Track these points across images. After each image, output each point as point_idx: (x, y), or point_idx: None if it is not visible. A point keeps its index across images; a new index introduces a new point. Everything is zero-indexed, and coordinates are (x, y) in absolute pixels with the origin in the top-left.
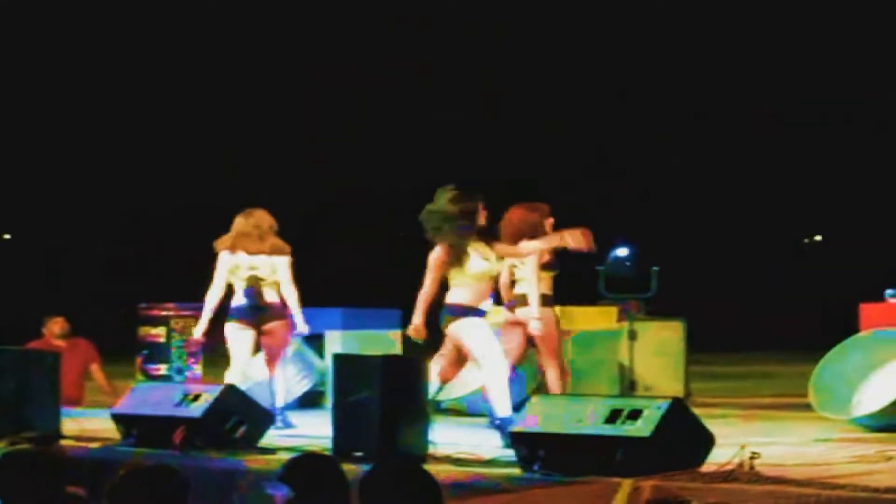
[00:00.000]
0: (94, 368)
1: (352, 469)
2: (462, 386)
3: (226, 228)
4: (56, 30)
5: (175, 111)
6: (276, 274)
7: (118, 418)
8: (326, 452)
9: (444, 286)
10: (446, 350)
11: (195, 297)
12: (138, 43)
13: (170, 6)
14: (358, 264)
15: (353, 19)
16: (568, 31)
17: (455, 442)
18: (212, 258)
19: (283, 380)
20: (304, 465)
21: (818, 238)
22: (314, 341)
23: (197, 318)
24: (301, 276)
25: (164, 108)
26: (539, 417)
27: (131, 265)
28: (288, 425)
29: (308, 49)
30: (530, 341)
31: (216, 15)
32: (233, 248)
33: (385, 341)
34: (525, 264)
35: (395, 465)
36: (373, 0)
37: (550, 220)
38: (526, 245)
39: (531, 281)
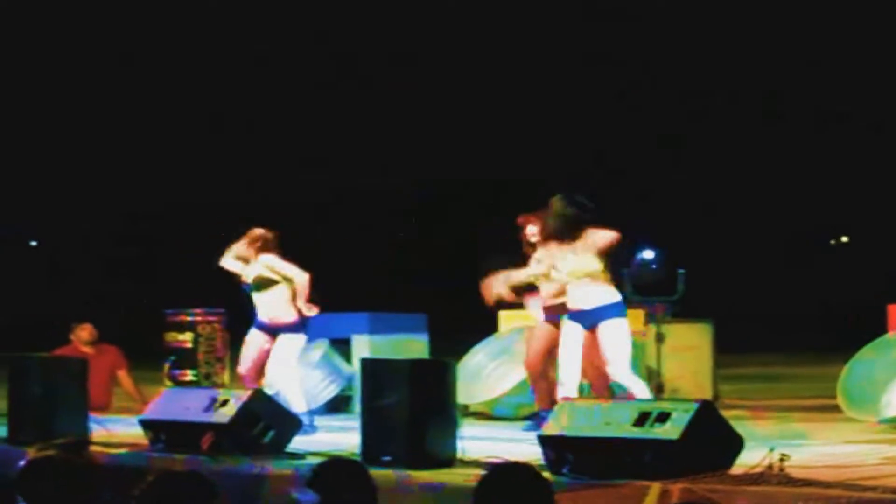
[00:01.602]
0: (122, 374)
1: (381, 474)
2: (489, 389)
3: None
4: (57, 30)
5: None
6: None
7: (146, 424)
8: (354, 457)
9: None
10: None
11: (220, 302)
12: (139, 43)
13: (169, 7)
14: (383, 269)
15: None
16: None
17: (483, 446)
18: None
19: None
20: (332, 470)
21: (845, 239)
22: (341, 346)
23: (222, 323)
24: (327, 281)
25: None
26: (568, 421)
27: (155, 270)
28: (311, 430)
29: (307, 49)
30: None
31: (216, 15)
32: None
33: (412, 346)
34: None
35: (512, 469)
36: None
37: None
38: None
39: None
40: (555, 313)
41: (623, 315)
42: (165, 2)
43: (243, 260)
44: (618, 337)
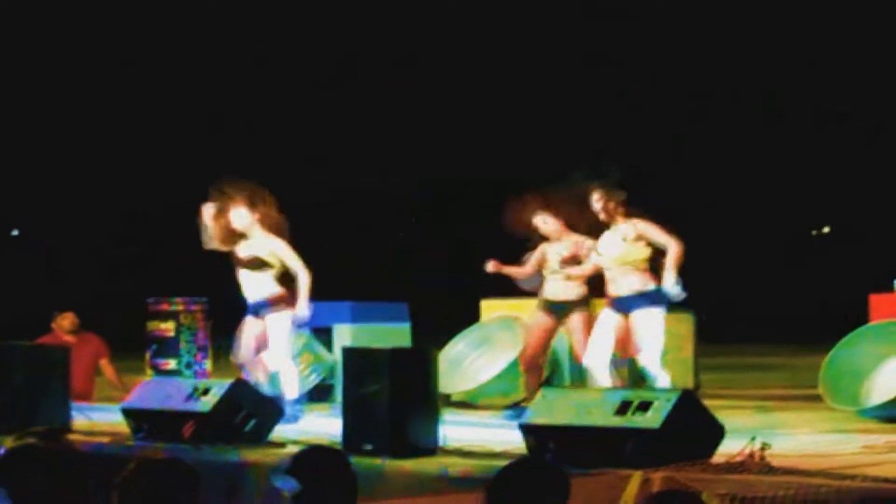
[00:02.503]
0: (104, 363)
1: (362, 462)
2: (470, 379)
3: None
4: (56, 30)
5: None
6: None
7: (128, 413)
8: (336, 446)
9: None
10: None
11: (202, 291)
12: (139, 43)
13: (169, 7)
14: (364, 257)
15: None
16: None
17: (465, 435)
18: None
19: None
20: (313, 458)
21: (826, 230)
22: (323, 335)
23: (204, 312)
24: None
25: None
26: (549, 409)
27: (136, 260)
28: (295, 419)
29: (307, 49)
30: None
31: (216, 15)
32: None
33: (394, 334)
34: None
35: (524, 462)
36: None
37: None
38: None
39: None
40: (560, 307)
41: (660, 305)
42: (165, 2)
43: (237, 235)
44: (652, 326)
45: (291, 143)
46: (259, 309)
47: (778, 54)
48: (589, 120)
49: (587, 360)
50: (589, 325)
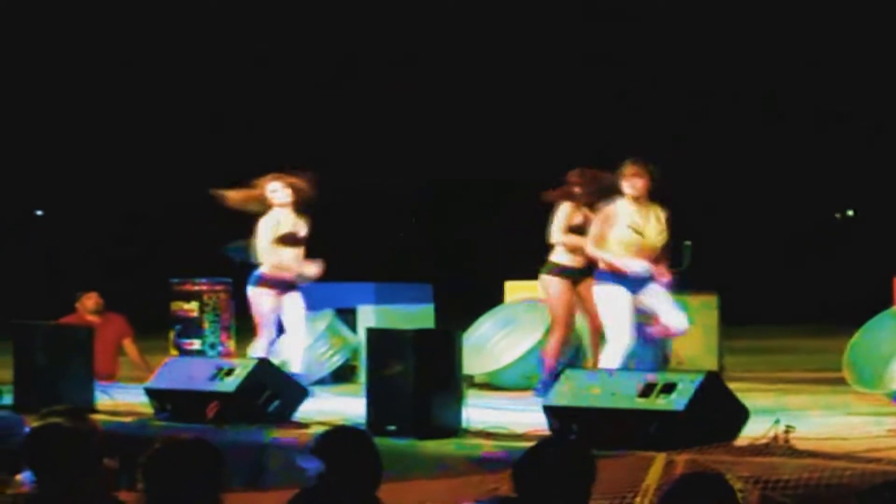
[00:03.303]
0: (128, 343)
1: (386, 443)
2: (494, 360)
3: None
4: (55, 30)
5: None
6: None
7: (152, 393)
8: (360, 427)
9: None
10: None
11: (226, 272)
12: (139, 43)
13: (169, 7)
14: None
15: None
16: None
17: (488, 416)
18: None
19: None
20: (337, 438)
21: (850, 213)
22: (347, 316)
23: (228, 292)
24: (332, 251)
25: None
26: (572, 391)
27: (162, 242)
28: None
29: (307, 49)
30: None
31: (216, 15)
32: None
33: (418, 316)
34: None
35: (552, 442)
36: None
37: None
38: None
39: None
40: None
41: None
42: (165, 2)
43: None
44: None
45: (291, 143)
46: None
47: (778, 54)
48: (589, 120)
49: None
50: None
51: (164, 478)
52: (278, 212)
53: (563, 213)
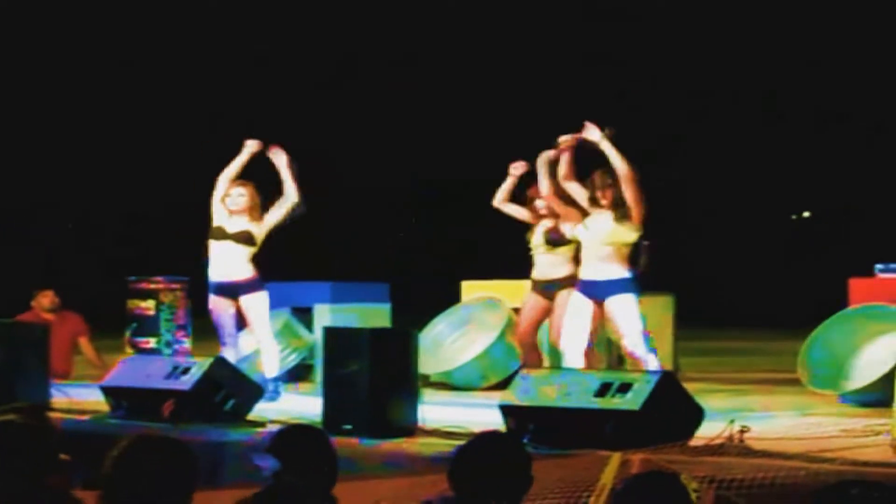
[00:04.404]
0: (83, 341)
1: (342, 442)
2: (450, 359)
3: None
4: (54, 31)
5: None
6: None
7: (107, 391)
8: (316, 425)
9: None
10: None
11: (183, 270)
12: (138, 43)
13: (169, 7)
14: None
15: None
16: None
17: (444, 415)
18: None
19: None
20: (293, 436)
21: (806, 214)
22: (303, 315)
23: (184, 291)
24: (291, 250)
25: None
26: (529, 390)
27: (119, 238)
28: (275, 397)
29: (307, 49)
30: None
31: (216, 15)
32: None
33: (374, 315)
34: None
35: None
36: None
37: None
38: None
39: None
40: (550, 286)
41: (634, 291)
42: (165, 2)
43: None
44: (629, 311)
45: (291, 142)
46: (236, 290)
47: (778, 54)
48: (589, 120)
49: (564, 344)
50: None
51: (134, 479)
52: None
53: None
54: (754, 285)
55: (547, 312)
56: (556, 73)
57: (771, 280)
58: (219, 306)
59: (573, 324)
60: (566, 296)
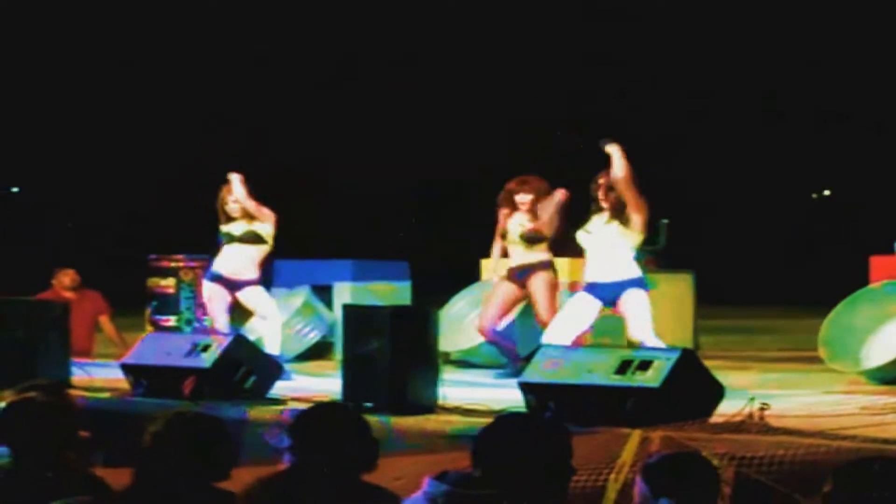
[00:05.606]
0: (104, 320)
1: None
2: (470, 337)
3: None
4: (54, 31)
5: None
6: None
7: (128, 369)
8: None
9: None
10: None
11: (204, 248)
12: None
13: (169, 7)
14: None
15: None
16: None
17: (464, 393)
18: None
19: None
20: (317, 416)
21: (827, 192)
22: (323, 293)
23: (205, 269)
24: (309, 229)
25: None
26: (549, 367)
27: (140, 217)
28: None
29: (307, 49)
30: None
31: (216, 15)
32: None
33: (395, 293)
34: None
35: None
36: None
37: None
38: None
39: None
40: (521, 273)
41: (644, 287)
42: (165, 2)
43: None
44: (641, 306)
45: (291, 142)
46: (235, 285)
47: (778, 54)
48: (589, 120)
49: (547, 338)
50: (553, 287)
51: (172, 454)
52: None
53: None
54: (775, 263)
55: (516, 302)
56: (557, 73)
57: (791, 258)
58: (215, 294)
59: (569, 316)
60: (542, 278)
